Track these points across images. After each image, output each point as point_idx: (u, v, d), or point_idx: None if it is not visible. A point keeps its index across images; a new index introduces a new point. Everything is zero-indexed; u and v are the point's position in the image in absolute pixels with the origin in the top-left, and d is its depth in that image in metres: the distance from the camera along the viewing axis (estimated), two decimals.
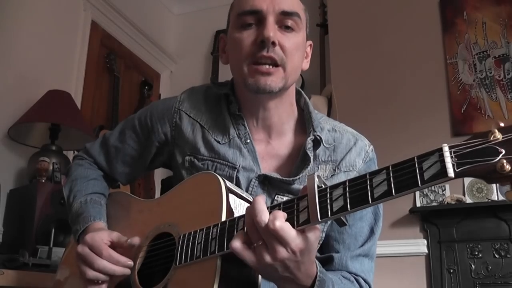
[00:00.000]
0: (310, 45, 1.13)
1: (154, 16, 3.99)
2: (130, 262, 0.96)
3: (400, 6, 3.18)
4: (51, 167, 2.40)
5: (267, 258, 0.75)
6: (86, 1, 3.20)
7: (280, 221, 0.73)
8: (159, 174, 3.37)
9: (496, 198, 2.66)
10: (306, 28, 1.08)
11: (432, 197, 2.78)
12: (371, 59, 3.15)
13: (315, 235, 0.76)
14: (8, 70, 2.57)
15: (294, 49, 1.01)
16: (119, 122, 3.56)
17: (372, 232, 1.05)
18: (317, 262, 0.83)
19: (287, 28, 1.01)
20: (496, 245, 2.58)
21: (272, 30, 0.97)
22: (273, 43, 0.97)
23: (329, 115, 3.01)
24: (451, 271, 2.63)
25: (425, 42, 3.06)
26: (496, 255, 2.57)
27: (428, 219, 2.74)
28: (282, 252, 0.74)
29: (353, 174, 1.04)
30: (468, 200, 2.70)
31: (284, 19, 1.00)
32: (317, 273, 0.81)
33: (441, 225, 2.70)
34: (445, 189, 2.76)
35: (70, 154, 2.79)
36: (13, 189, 2.44)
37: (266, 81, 0.98)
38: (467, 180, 2.74)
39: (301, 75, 3.57)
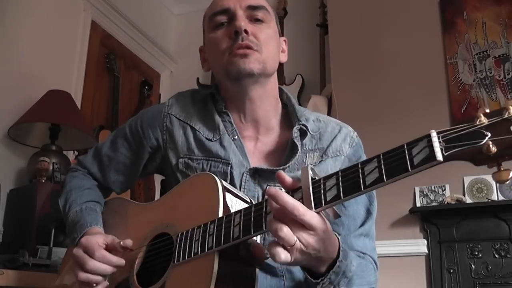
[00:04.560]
0: (285, 40, 1.20)
1: (154, 16, 3.99)
2: (122, 261, 0.97)
3: (400, 6, 3.18)
4: (51, 167, 2.40)
5: (304, 249, 0.75)
6: (86, 1, 3.20)
7: (303, 207, 0.74)
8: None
9: (496, 198, 2.66)
10: (276, 23, 1.14)
11: (432, 197, 2.78)
12: (371, 59, 3.15)
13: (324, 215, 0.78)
14: (8, 70, 2.58)
15: (268, 38, 1.08)
16: (119, 122, 3.54)
17: (369, 212, 1.08)
18: (337, 234, 0.84)
19: (258, 21, 1.08)
20: (496, 245, 2.58)
21: (243, 21, 1.05)
22: (246, 31, 1.04)
23: (329, 115, 3.01)
24: (451, 271, 2.63)
25: (425, 42, 3.06)
26: (496, 255, 2.57)
27: (428, 219, 2.74)
28: (309, 238, 0.75)
29: (341, 159, 1.08)
30: (468, 200, 2.70)
31: (253, 13, 1.08)
32: (340, 243, 0.83)
33: (441, 225, 2.70)
34: (445, 189, 2.76)
35: (70, 154, 2.79)
36: (13, 189, 2.44)
37: (245, 63, 1.03)
38: (467, 180, 2.74)
39: (301, 75, 3.58)
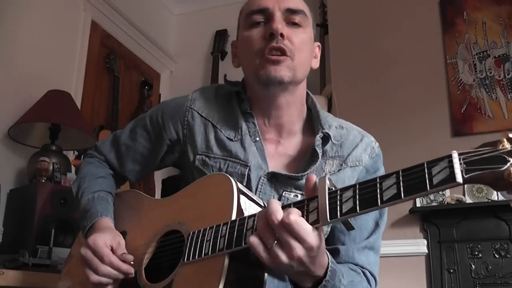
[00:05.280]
0: (318, 46, 1.18)
1: (154, 16, 3.99)
2: (132, 270, 0.97)
3: (400, 6, 3.18)
4: (51, 167, 2.40)
5: (283, 257, 0.76)
6: (86, 1, 3.20)
7: (294, 216, 0.74)
8: (159, 174, 3.37)
9: (496, 198, 2.65)
10: (312, 28, 1.12)
11: (432, 197, 2.78)
12: (371, 59, 3.15)
13: (324, 233, 0.79)
14: (8, 70, 2.57)
15: (302, 44, 1.06)
16: (119, 122, 3.52)
17: (377, 225, 1.07)
18: (328, 252, 0.84)
19: (295, 25, 1.06)
20: (496, 245, 2.58)
21: (280, 23, 1.03)
22: (282, 35, 1.02)
23: None
24: (451, 271, 2.63)
25: (425, 42, 3.06)
26: (496, 255, 2.57)
27: (428, 219, 2.74)
28: (298, 249, 0.75)
29: (359, 169, 1.07)
30: (468, 200, 2.70)
31: (291, 16, 1.05)
32: (328, 263, 0.83)
33: (441, 225, 2.70)
34: None
35: (70, 154, 2.79)
36: (13, 189, 2.44)
37: (276, 70, 1.02)
38: None
39: None
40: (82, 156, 1.30)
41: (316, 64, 1.16)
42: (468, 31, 3.00)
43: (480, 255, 2.59)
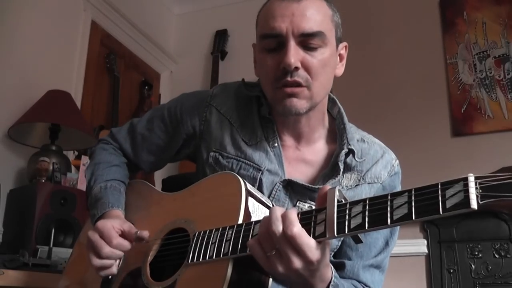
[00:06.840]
0: (345, 46, 1.12)
1: (154, 16, 3.99)
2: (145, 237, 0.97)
3: (400, 6, 3.18)
4: (51, 167, 2.40)
5: (280, 268, 0.74)
6: (86, 1, 3.19)
7: (297, 228, 0.72)
8: (160, 173, 3.36)
9: None
10: (336, 33, 1.06)
11: None
12: (371, 59, 3.15)
13: (330, 247, 0.77)
14: (8, 70, 2.57)
15: (320, 67, 0.99)
16: (119, 122, 3.50)
17: (387, 244, 1.05)
18: (332, 267, 0.82)
19: (312, 49, 0.98)
20: (496, 245, 2.58)
21: (293, 56, 0.95)
22: (296, 68, 0.96)
23: None
24: (451, 271, 2.63)
25: (425, 42, 3.06)
26: (496, 255, 2.57)
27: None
28: (296, 262, 0.73)
29: (376, 186, 1.04)
30: None
31: (307, 40, 0.97)
32: (332, 278, 0.81)
33: (441, 225, 2.70)
34: None
35: (70, 154, 2.79)
36: (13, 189, 2.43)
37: (292, 103, 0.98)
38: None
39: None
40: (98, 141, 1.27)
41: (341, 70, 1.10)
42: (468, 31, 3.00)
43: (480, 255, 2.60)
